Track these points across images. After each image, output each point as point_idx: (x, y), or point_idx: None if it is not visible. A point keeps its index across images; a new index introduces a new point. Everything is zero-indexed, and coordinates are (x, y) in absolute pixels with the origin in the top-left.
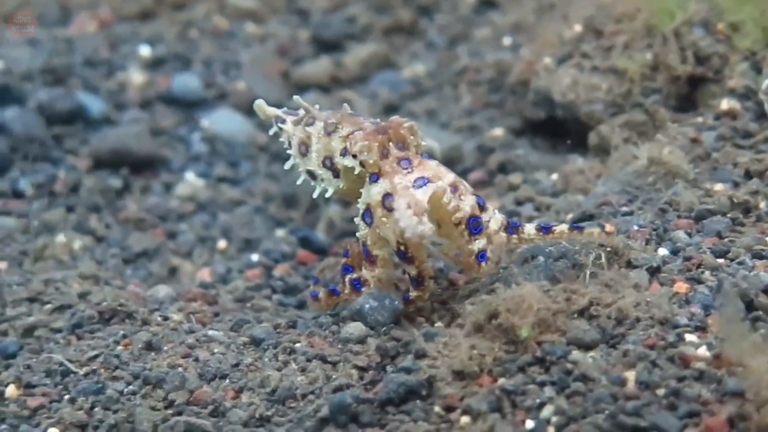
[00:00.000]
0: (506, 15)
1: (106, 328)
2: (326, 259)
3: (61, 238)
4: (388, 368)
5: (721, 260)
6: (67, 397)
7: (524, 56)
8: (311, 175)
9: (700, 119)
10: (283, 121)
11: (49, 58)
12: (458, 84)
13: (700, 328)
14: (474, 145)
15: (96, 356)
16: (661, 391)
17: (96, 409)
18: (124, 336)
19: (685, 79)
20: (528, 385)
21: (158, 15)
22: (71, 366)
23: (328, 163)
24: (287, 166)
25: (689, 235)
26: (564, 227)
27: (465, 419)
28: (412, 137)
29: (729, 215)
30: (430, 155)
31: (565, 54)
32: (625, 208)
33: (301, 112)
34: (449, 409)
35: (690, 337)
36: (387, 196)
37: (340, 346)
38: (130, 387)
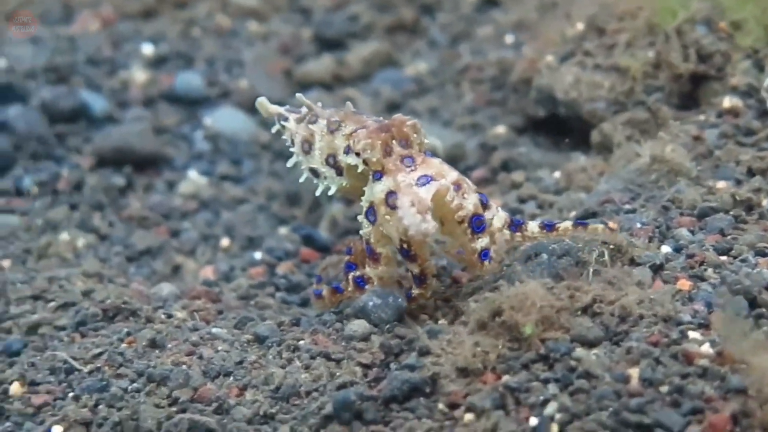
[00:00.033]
0: (508, 13)
1: (110, 326)
2: (328, 257)
3: (64, 236)
4: (392, 365)
5: (723, 258)
6: (71, 394)
7: (526, 54)
8: (314, 173)
9: (702, 117)
10: (286, 119)
11: (52, 56)
12: (460, 82)
13: (704, 326)
14: (476, 143)
15: (100, 354)
16: (664, 388)
17: (100, 406)
18: (128, 334)
19: (687, 77)
20: (532, 383)
21: (161, 13)
22: (75, 363)
23: (331, 161)
24: (290, 163)
25: (692, 232)
26: (568, 224)
27: (469, 416)
28: (415, 135)
29: (731, 213)
30: (433, 153)
31: (567, 52)
32: (627, 206)
33: (304, 109)
34: (453, 406)
35: (693, 335)
36: (390, 194)
37: (343, 343)
38: (134, 384)
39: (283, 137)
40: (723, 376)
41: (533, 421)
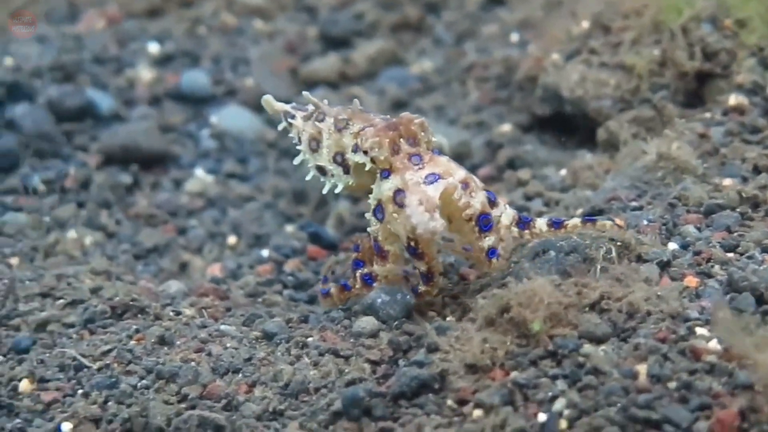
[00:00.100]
0: (513, 12)
1: (118, 323)
2: (331, 257)
3: (72, 233)
4: (401, 362)
5: (730, 254)
6: (80, 391)
7: (532, 53)
8: (321, 170)
9: (708, 115)
10: (292, 117)
11: (58, 55)
12: (466, 80)
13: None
14: (482, 141)
15: (109, 351)
16: (672, 384)
17: (110, 403)
18: (137, 331)
19: (692, 74)
20: (540, 379)
21: (166, 12)
22: (84, 360)
23: (339, 159)
24: (296, 161)
25: (699, 229)
26: (576, 221)
27: (477, 412)
28: (422, 133)
29: (738, 210)
30: (440, 151)
31: (573, 50)
32: (634, 203)
33: (310, 107)
34: (462, 402)
35: (701, 331)
36: (398, 192)
37: (352, 340)
38: (144, 381)
39: (290, 135)
40: (730, 372)
41: (542, 417)
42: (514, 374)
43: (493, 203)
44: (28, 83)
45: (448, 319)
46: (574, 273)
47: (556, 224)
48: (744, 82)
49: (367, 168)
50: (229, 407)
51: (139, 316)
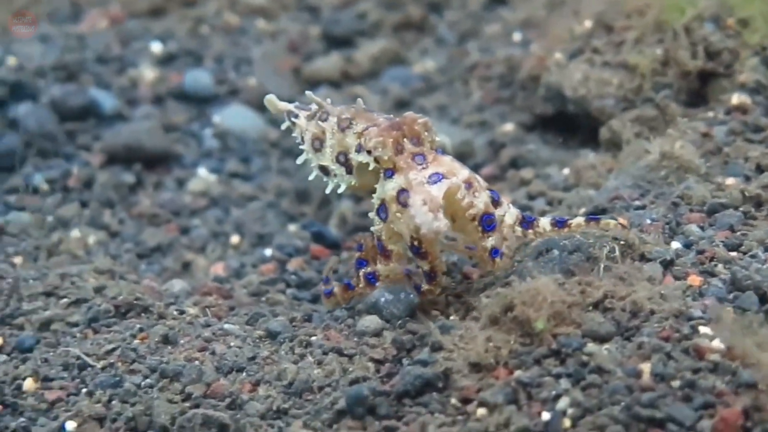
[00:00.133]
0: (516, 11)
1: (122, 322)
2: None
3: (75, 233)
4: (405, 361)
5: (733, 253)
6: (84, 390)
7: (534, 52)
8: (324, 170)
9: (710, 114)
10: (296, 116)
11: (61, 54)
12: (468, 80)
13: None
14: (485, 141)
15: (113, 350)
16: (676, 383)
17: (114, 402)
18: (141, 330)
19: (695, 74)
20: (544, 377)
21: (169, 12)
22: (88, 359)
23: (342, 159)
24: (299, 161)
25: (702, 228)
26: (580, 220)
27: (481, 411)
28: (426, 133)
29: (741, 209)
30: (444, 151)
31: (575, 49)
32: (637, 202)
33: (313, 106)
34: (465, 401)
35: (704, 330)
36: (402, 191)
37: (356, 339)
38: (148, 380)
39: (293, 134)
40: (734, 371)
41: (545, 415)
42: (517, 373)
43: (496, 202)
44: (31, 83)
45: (451, 318)
46: (577, 272)
47: (559, 223)
48: (747, 82)
49: (370, 168)
50: (233, 406)
51: (143, 315)
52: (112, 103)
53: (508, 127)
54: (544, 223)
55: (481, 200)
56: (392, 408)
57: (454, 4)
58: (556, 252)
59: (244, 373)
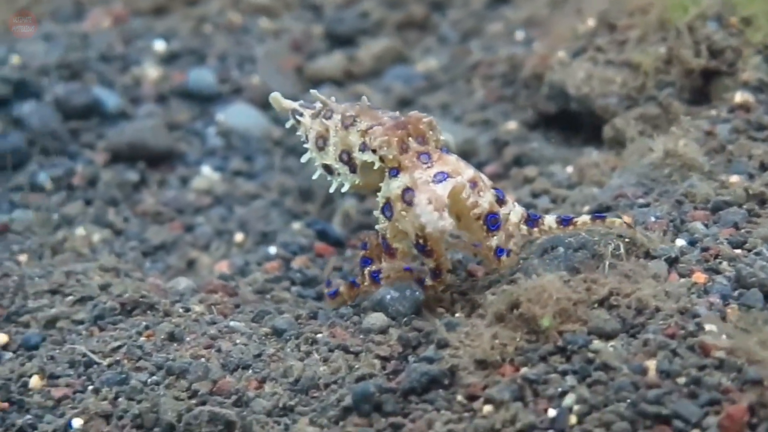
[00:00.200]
0: (519, 10)
1: (128, 320)
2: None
3: (80, 231)
4: (410, 358)
5: (738, 251)
6: (90, 387)
7: (537, 50)
8: (328, 169)
9: (714, 112)
10: (301, 114)
11: (64, 53)
12: (471, 78)
13: (720, 318)
14: (488, 139)
15: (119, 347)
16: (681, 380)
17: (120, 399)
18: (147, 327)
19: (698, 72)
20: (550, 374)
21: (172, 10)
22: (94, 357)
23: (345, 158)
24: (304, 159)
25: (706, 226)
26: (585, 218)
27: (487, 408)
28: (431, 132)
29: (745, 206)
30: (449, 150)
31: (579, 48)
32: (641, 200)
33: (318, 105)
34: (472, 398)
35: (709, 327)
36: (407, 190)
37: (361, 336)
38: (154, 377)
39: (298, 133)
40: (740, 368)
41: (551, 412)
42: (523, 370)
43: (501, 201)
44: (34, 81)
45: (457, 315)
46: (582, 269)
47: (565, 221)
48: (750, 80)
49: (375, 167)
50: (240, 403)
51: (149, 312)
52: (116, 102)
53: (512, 125)
54: (550, 221)
55: (486, 199)
56: (398, 405)
57: (456, 3)
58: (561, 249)
59: (250, 371)
